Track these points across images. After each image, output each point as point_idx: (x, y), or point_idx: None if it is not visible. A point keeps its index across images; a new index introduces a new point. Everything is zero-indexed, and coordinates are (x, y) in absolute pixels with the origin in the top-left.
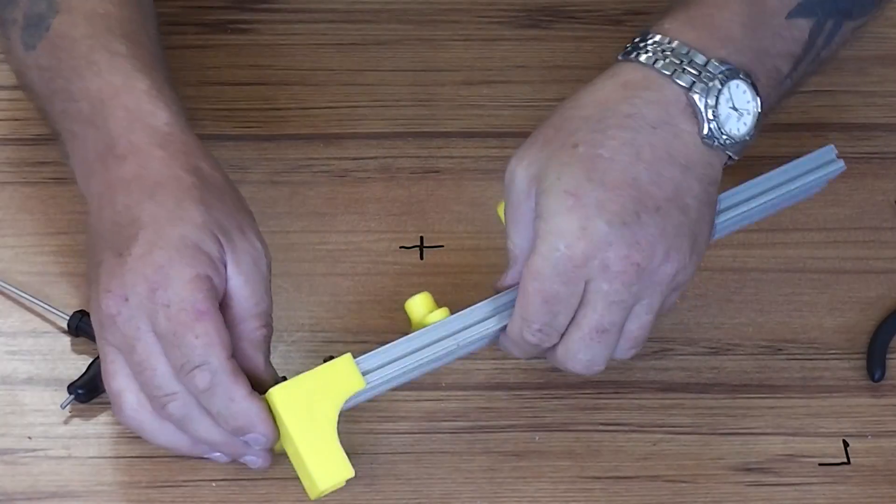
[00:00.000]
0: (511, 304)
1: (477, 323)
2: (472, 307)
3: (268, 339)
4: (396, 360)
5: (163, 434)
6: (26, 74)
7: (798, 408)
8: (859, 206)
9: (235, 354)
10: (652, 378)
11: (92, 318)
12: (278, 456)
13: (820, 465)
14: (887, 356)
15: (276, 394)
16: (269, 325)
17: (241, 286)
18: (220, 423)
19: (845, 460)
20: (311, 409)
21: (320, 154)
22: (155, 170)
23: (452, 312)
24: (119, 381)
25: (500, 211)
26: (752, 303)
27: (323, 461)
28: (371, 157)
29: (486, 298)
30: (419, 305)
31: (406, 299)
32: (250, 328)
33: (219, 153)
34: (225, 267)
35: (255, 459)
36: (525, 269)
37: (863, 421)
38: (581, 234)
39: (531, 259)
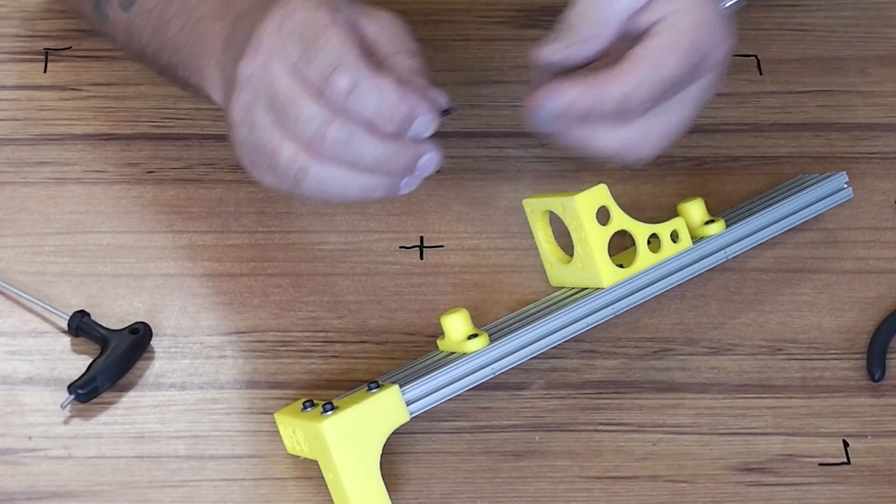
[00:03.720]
0: (550, 332)
1: (516, 351)
2: (510, 336)
3: (422, 68)
4: (439, 390)
5: (332, 176)
6: (134, 33)
7: (798, 408)
8: (859, 206)
9: None
10: (652, 378)
11: (231, 125)
12: (277, 457)
13: (820, 465)
14: (887, 356)
15: (326, 425)
16: (418, 56)
17: (378, 32)
18: (383, 128)
19: (845, 460)
20: (357, 442)
21: None
22: None
23: (484, 327)
24: (273, 136)
25: (527, 205)
26: (752, 303)
27: (364, 495)
28: None
29: (515, 316)
30: (458, 325)
31: (407, 299)
32: (399, 60)
33: (219, 153)
34: (356, 22)
35: (431, 158)
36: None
37: (863, 421)
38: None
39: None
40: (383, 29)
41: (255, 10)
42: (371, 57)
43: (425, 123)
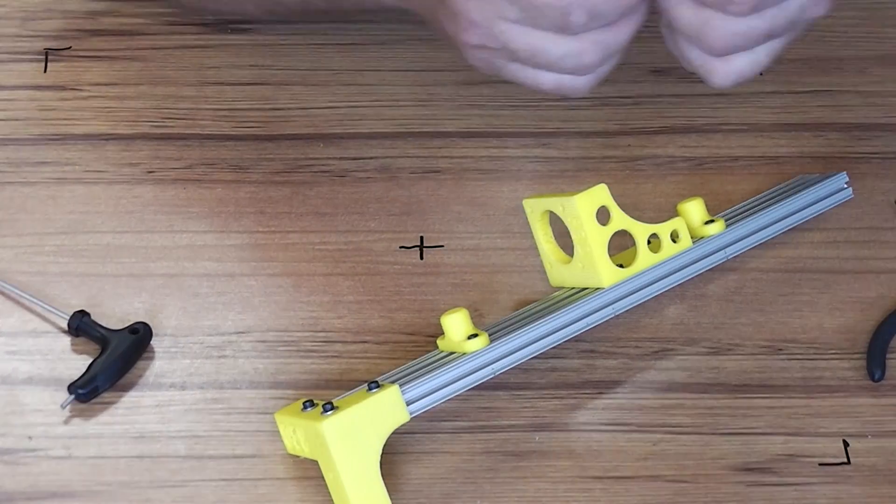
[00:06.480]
0: (550, 332)
1: (516, 351)
2: (510, 336)
3: None
4: (439, 390)
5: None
6: None
7: (798, 408)
8: (859, 206)
9: None
10: (652, 378)
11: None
12: (277, 457)
13: (820, 465)
14: (887, 356)
15: (326, 425)
16: None
17: None
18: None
19: (845, 460)
20: (357, 441)
21: (320, 154)
22: None
23: (484, 327)
24: (528, 73)
25: (527, 205)
26: (752, 303)
27: (364, 495)
28: (371, 157)
29: (515, 316)
30: (458, 325)
31: (407, 299)
32: None
33: (219, 153)
34: None
35: None
36: None
37: (863, 421)
38: None
39: None
40: None
41: None
42: None
43: None
